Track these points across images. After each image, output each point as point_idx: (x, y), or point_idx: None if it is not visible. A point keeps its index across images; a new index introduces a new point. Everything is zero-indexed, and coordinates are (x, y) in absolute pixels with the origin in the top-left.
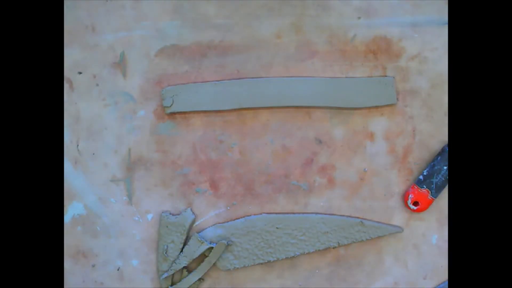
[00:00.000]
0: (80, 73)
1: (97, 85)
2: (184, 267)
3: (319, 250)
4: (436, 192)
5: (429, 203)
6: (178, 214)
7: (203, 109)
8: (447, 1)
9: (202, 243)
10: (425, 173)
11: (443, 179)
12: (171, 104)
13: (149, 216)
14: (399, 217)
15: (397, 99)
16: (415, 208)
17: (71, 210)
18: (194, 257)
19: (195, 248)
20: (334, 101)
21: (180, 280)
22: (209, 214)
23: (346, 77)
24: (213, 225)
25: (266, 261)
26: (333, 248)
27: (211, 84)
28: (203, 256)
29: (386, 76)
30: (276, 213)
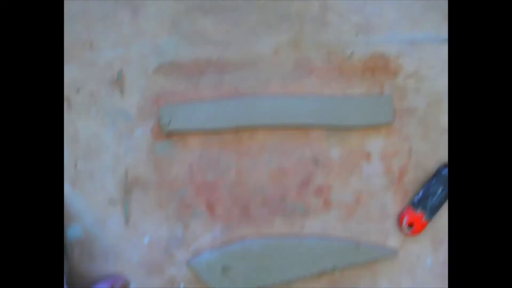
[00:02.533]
0: (78, 90)
1: (95, 103)
2: None
3: (314, 274)
4: (430, 214)
5: (424, 226)
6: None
7: (201, 128)
8: (445, 19)
9: None
10: (420, 195)
11: (438, 201)
12: (169, 123)
13: (146, 239)
14: (394, 239)
15: (394, 117)
16: (409, 231)
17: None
18: None
19: None
20: (332, 119)
21: None
22: (204, 237)
23: (343, 96)
24: (209, 248)
25: (262, 286)
26: (329, 272)
27: (208, 102)
28: None
29: (383, 94)
30: (272, 237)
